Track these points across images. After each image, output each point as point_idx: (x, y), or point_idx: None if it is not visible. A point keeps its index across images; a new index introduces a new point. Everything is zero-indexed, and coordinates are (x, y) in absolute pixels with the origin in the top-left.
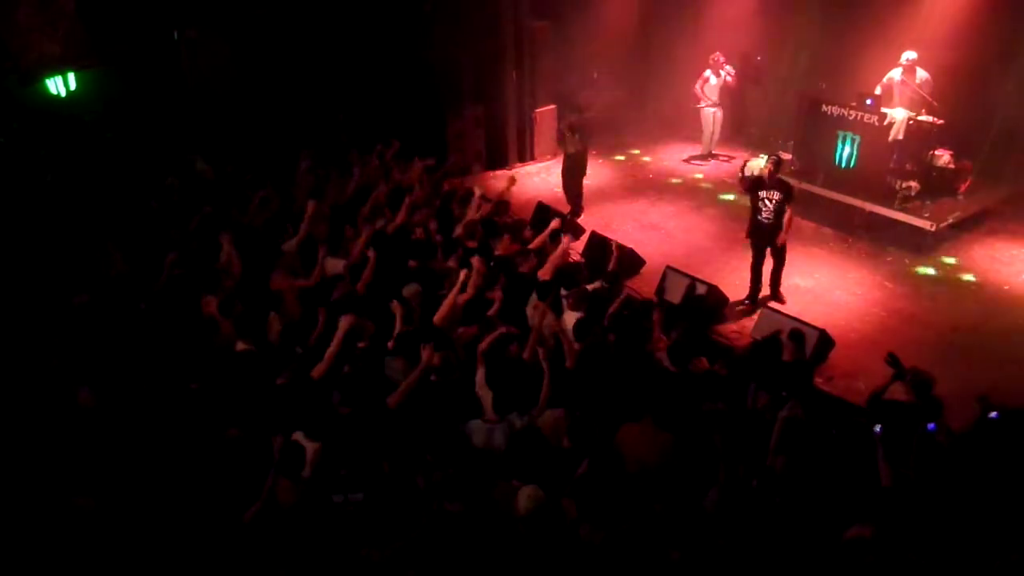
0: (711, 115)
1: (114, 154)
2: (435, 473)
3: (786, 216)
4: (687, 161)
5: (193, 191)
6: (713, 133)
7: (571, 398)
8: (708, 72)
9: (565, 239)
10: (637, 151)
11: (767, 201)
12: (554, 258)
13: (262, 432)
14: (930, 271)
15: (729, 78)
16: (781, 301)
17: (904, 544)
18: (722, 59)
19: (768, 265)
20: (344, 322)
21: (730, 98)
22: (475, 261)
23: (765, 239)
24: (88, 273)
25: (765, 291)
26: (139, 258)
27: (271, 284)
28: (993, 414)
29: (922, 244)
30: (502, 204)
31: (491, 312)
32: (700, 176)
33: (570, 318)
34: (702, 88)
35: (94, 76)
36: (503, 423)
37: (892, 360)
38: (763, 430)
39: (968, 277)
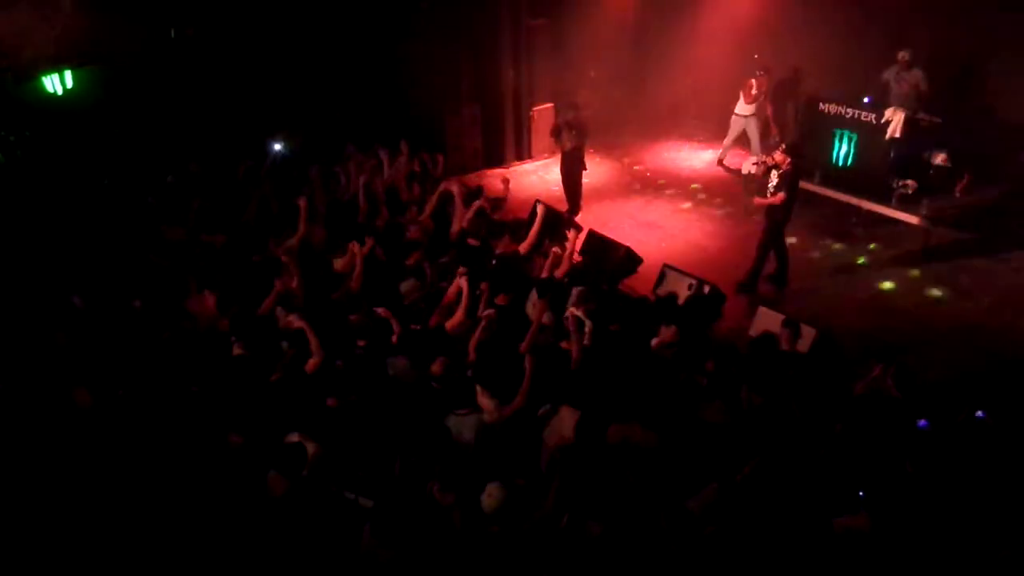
0: (742, 123)
1: (110, 151)
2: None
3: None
4: (720, 163)
5: (189, 189)
6: (729, 141)
7: (576, 398)
8: (753, 80)
9: (571, 234)
10: (635, 149)
11: (774, 178)
12: (567, 258)
13: (261, 433)
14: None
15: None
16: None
17: (900, 538)
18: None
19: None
20: (292, 319)
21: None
22: (462, 282)
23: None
24: (84, 271)
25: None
26: (135, 256)
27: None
28: (979, 413)
29: (920, 242)
30: (496, 202)
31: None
32: (698, 174)
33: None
34: (748, 94)
35: (91, 74)
36: (472, 415)
37: (878, 354)
38: (757, 430)
39: (966, 276)
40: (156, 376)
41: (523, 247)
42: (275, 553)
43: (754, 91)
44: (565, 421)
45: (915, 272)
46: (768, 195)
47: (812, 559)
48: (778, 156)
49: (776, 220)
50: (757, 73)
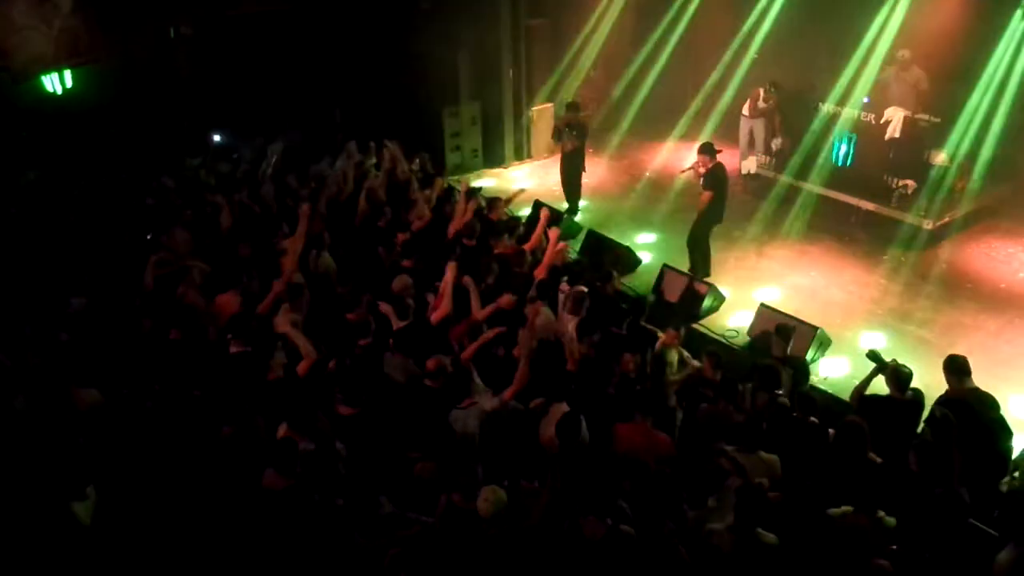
0: (750, 125)
1: (109, 150)
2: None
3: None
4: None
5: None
6: (745, 147)
7: (573, 399)
8: (761, 91)
9: (553, 233)
10: (634, 149)
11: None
12: (549, 257)
13: (256, 429)
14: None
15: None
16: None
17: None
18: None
19: None
20: (278, 323)
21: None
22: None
23: None
24: (83, 273)
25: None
26: (133, 255)
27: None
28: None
29: (919, 242)
30: (493, 201)
31: (478, 316)
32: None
33: (569, 320)
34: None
35: (90, 73)
36: (474, 407)
37: (872, 355)
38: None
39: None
40: (156, 375)
41: (525, 248)
42: (273, 546)
43: (760, 103)
44: (556, 418)
45: (914, 272)
46: (700, 195)
47: (811, 557)
48: (697, 159)
49: (706, 216)
50: (767, 87)
